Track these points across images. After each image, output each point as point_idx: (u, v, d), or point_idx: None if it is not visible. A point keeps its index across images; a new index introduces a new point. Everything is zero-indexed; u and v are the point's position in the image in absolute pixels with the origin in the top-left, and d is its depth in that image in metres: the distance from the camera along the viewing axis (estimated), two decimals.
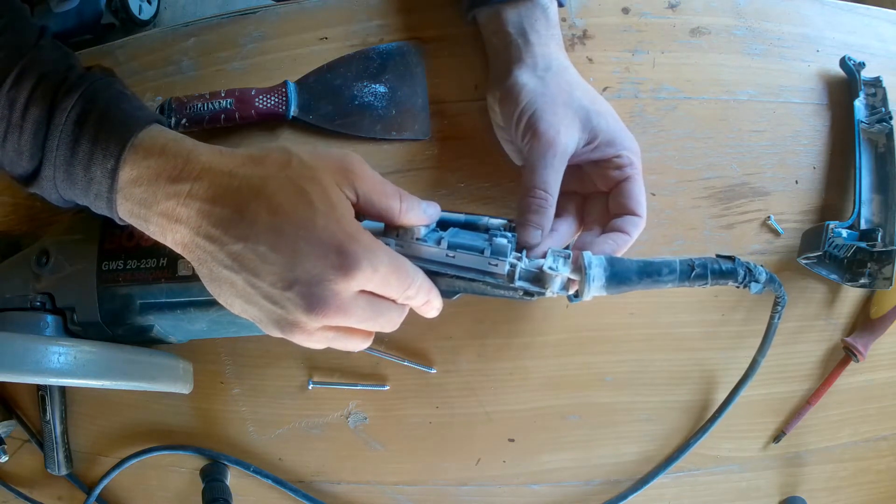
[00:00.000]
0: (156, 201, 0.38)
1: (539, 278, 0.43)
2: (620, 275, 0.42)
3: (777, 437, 0.54)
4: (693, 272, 0.42)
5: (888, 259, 0.52)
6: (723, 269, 0.42)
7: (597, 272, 0.42)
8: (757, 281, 0.43)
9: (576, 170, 0.50)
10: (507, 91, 0.49)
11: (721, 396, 0.54)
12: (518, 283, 0.43)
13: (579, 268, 0.42)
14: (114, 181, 0.38)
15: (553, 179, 0.46)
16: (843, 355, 0.55)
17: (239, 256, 0.37)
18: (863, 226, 0.53)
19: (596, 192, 0.51)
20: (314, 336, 0.39)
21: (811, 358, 0.56)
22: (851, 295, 0.56)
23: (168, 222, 0.38)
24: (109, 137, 0.38)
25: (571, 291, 0.44)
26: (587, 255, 0.42)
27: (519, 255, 0.44)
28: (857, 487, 0.55)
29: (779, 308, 0.49)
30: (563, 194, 0.48)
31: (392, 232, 0.43)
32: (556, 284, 0.43)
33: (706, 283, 0.42)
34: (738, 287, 0.43)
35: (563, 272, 0.42)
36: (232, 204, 0.37)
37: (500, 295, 0.45)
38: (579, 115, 0.47)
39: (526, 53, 0.50)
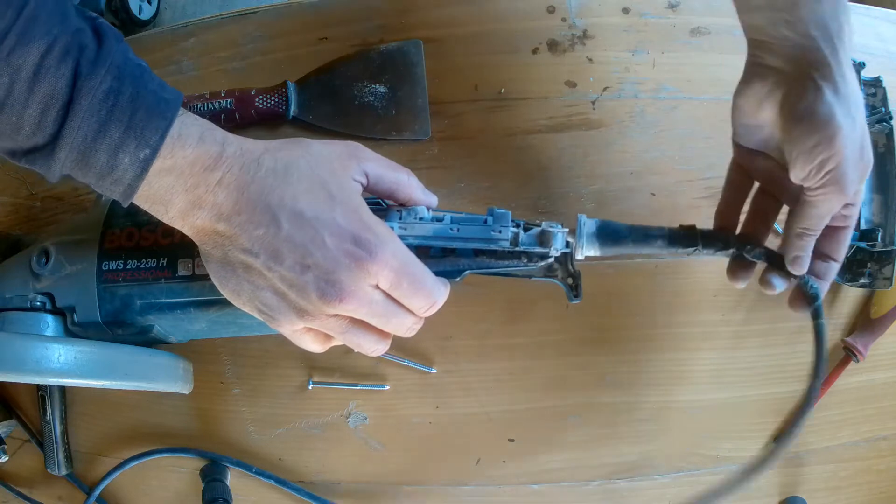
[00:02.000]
0: (185, 189, 0.37)
1: (541, 239, 0.44)
2: (611, 229, 0.44)
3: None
4: (682, 233, 0.44)
5: (888, 259, 0.52)
6: (714, 233, 0.44)
7: (588, 223, 0.44)
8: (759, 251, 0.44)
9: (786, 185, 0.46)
10: (814, 123, 0.41)
11: (721, 396, 0.54)
12: (522, 247, 0.44)
13: (573, 232, 0.44)
14: (144, 171, 0.36)
15: None
16: (843, 355, 0.55)
17: (260, 240, 0.37)
18: (863, 226, 0.53)
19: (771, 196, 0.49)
20: (327, 324, 0.40)
21: (811, 358, 0.55)
22: (851, 295, 0.56)
23: (192, 208, 0.37)
24: (145, 125, 0.35)
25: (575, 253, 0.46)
26: (581, 215, 0.45)
27: (517, 225, 0.45)
28: (857, 487, 0.55)
29: (814, 300, 0.45)
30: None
31: (395, 215, 0.44)
32: (559, 241, 0.44)
33: (697, 248, 0.44)
34: (735, 256, 0.45)
35: (563, 230, 0.44)
36: (257, 191, 0.37)
37: (504, 266, 0.45)
38: (866, 167, 0.44)
39: (836, 72, 0.41)
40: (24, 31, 0.33)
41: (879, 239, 0.51)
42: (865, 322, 0.55)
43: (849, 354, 0.54)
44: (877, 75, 0.58)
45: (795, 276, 0.45)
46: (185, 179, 0.37)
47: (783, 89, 0.43)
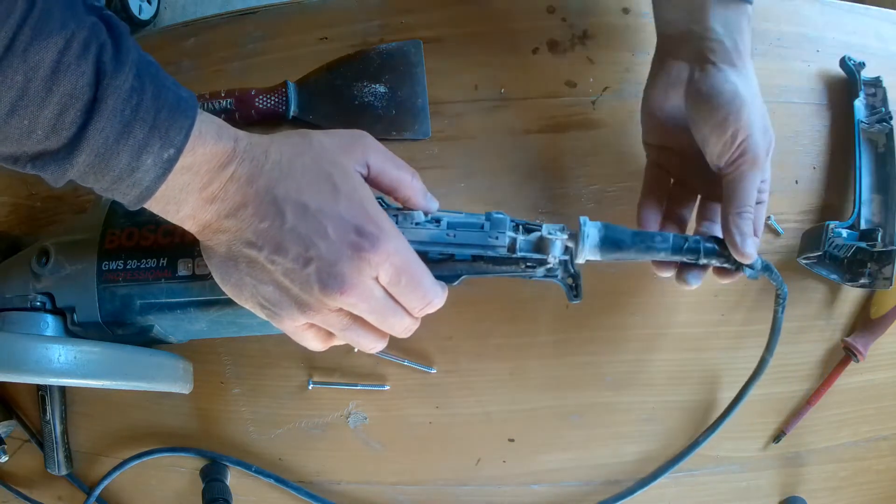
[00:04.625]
0: (199, 187, 0.37)
1: (539, 246, 0.44)
2: (614, 237, 0.44)
3: (777, 437, 0.54)
4: (686, 244, 0.44)
5: (888, 259, 0.52)
6: (715, 248, 0.44)
7: (591, 231, 0.43)
8: (752, 266, 0.44)
9: (709, 173, 0.49)
10: (721, 98, 0.45)
11: (721, 396, 0.54)
12: (520, 254, 0.43)
13: (575, 235, 0.44)
14: (167, 171, 0.35)
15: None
16: (843, 355, 0.55)
17: (264, 233, 0.37)
18: (863, 226, 0.53)
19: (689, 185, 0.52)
20: (328, 319, 0.40)
21: (811, 358, 0.56)
22: (851, 295, 0.56)
23: (203, 204, 0.37)
24: (170, 124, 0.34)
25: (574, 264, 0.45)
26: (583, 218, 0.44)
27: (518, 231, 0.45)
28: (857, 487, 0.55)
29: (780, 300, 0.49)
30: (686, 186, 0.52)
31: (392, 218, 0.43)
32: (557, 248, 0.43)
33: (698, 259, 0.44)
34: (730, 268, 0.45)
35: (562, 236, 0.43)
36: (265, 184, 0.37)
37: (502, 272, 0.45)
38: (770, 142, 0.47)
39: (736, 58, 0.47)
40: (40, 25, 0.30)
41: (879, 239, 0.50)
42: (865, 322, 0.55)
43: (849, 354, 0.54)
44: (877, 75, 0.58)
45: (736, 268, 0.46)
46: (201, 177, 0.36)
47: (688, 74, 0.48)
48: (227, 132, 0.37)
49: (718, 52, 0.47)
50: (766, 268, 0.46)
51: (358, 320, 0.41)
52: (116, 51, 0.33)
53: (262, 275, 0.38)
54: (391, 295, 0.40)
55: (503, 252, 0.43)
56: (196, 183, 0.36)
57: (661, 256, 0.44)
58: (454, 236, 0.43)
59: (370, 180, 0.42)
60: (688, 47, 0.48)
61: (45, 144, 0.33)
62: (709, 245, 0.44)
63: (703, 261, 0.44)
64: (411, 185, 0.43)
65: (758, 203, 0.47)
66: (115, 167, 0.34)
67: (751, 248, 0.44)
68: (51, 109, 0.32)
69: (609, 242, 0.44)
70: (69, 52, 0.31)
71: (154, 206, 0.37)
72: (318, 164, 0.39)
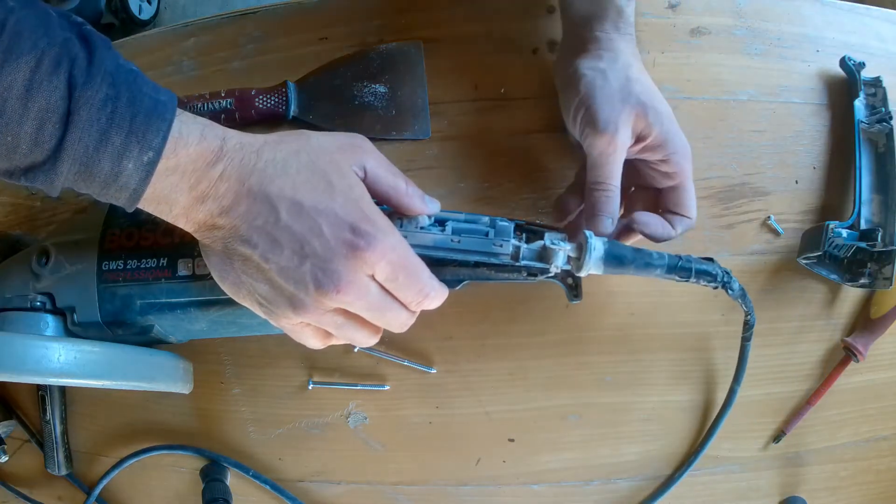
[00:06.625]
0: (189, 186, 0.37)
1: (542, 255, 0.44)
2: (617, 253, 0.44)
3: (777, 437, 0.54)
4: (679, 263, 0.45)
5: (888, 259, 0.52)
6: (705, 269, 0.45)
7: (597, 245, 0.43)
8: (732, 288, 0.46)
9: (626, 164, 0.49)
10: (569, 78, 0.50)
11: (721, 396, 0.54)
12: (523, 262, 0.44)
13: (579, 245, 0.44)
14: (149, 174, 0.35)
15: (616, 171, 0.47)
16: (843, 355, 0.55)
17: (258, 230, 0.37)
18: (863, 226, 0.53)
19: (644, 185, 0.52)
20: (323, 319, 0.40)
21: (811, 358, 0.56)
22: (851, 295, 0.56)
23: (195, 203, 0.37)
24: (146, 128, 0.35)
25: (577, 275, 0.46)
26: (589, 232, 0.44)
27: (521, 237, 0.45)
28: (857, 487, 0.55)
29: (748, 327, 0.51)
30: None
31: (397, 222, 0.44)
32: (560, 259, 0.44)
33: (689, 278, 0.45)
34: (715, 288, 0.46)
35: (565, 246, 0.44)
36: (257, 182, 0.37)
37: (504, 279, 0.46)
38: (636, 110, 0.47)
39: (591, 44, 0.50)
40: (10, 48, 0.32)
41: (879, 239, 0.51)
42: (865, 322, 0.55)
43: (849, 354, 0.54)
44: (877, 75, 0.58)
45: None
46: (189, 177, 0.37)
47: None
48: (212, 132, 0.37)
49: (578, 44, 0.51)
50: (742, 294, 0.47)
51: (352, 317, 0.41)
52: (89, 63, 0.34)
53: (257, 273, 0.39)
54: (387, 291, 0.40)
55: (507, 260, 0.44)
56: (184, 183, 0.37)
57: (657, 274, 0.45)
58: (459, 242, 0.43)
59: (364, 183, 0.42)
60: (562, 45, 0.53)
61: (31, 158, 0.34)
62: (700, 267, 0.45)
63: (692, 280, 0.45)
64: (406, 193, 0.43)
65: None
66: (99, 174, 0.35)
67: (600, 227, 0.46)
68: (30, 125, 0.33)
69: (612, 257, 0.44)
70: (40, 69, 0.33)
71: (147, 206, 0.38)
72: (315, 162, 0.39)
